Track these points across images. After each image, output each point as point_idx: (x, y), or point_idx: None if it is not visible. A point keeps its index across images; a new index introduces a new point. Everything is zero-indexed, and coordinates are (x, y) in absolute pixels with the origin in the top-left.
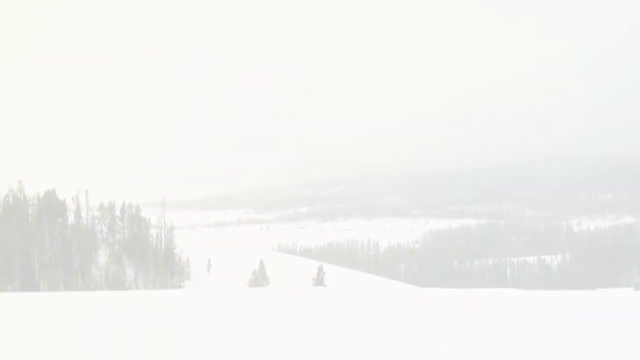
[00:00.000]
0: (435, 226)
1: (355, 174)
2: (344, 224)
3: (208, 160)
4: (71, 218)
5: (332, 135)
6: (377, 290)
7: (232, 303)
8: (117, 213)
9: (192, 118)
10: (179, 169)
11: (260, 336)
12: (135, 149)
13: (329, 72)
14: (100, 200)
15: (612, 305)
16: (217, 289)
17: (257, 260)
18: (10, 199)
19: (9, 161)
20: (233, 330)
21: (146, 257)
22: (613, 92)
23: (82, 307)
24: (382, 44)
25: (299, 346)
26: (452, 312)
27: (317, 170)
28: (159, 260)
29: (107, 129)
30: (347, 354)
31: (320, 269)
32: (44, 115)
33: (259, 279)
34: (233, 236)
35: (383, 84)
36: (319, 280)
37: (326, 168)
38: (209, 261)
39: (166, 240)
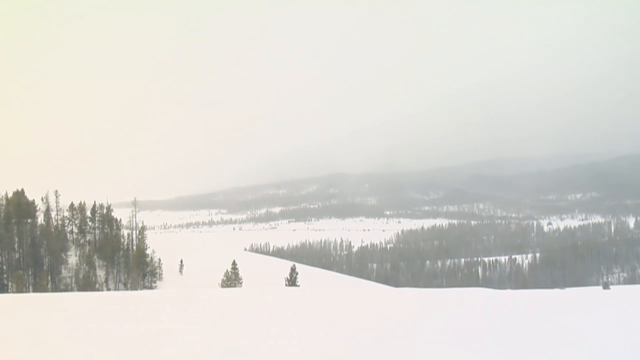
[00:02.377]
0: (408, 226)
1: (328, 175)
2: (316, 224)
3: (180, 161)
4: (40, 219)
5: (305, 136)
6: (350, 290)
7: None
8: (88, 214)
9: (163, 119)
10: (150, 169)
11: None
12: (106, 150)
13: (304, 72)
14: (71, 200)
15: (581, 303)
16: (188, 290)
17: (229, 260)
18: None
19: None
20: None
21: (117, 258)
22: (583, 96)
23: (50, 308)
24: (358, 44)
25: (273, 346)
26: (424, 311)
27: (290, 171)
28: (130, 261)
29: (78, 129)
30: (326, 354)
31: (293, 269)
32: (17, 117)
33: (232, 279)
34: (205, 236)
35: (357, 85)
36: (292, 281)
37: (299, 169)
38: (181, 262)
39: (137, 241)
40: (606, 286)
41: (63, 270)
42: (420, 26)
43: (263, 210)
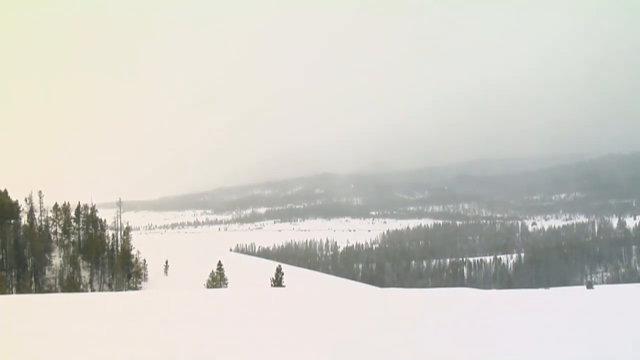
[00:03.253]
0: (393, 226)
1: (314, 175)
2: (302, 225)
3: (165, 161)
4: (24, 219)
5: (290, 136)
6: (335, 291)
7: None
8: (72, 214)
9: (148, 120)
10: (135, 169)
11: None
12: (90, 150)
13: (290, 73)
14: (55, 201)
15: (565, 303)
16: (173, 291)
17: (215, 261)
18: None
19: None
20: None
21: (102, 259)
22: (568, 96)
23: (35, 310)
24: (349, 45)
25: (259, 346)
26: (410, 312)
27: (276, 171)
28: (115, 262)
29: (63, 130)
30: (312, 355)
31: (278, 270)
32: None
33: (217, 280)
34: (191, 237)
35: (347, 86)
36: (278, 281)
37: (285, 169)
38: (166, 262)
39: (122, 242)
40: (590, 286)
41: (47, 272)
42: (411, 28)
43: (249, 211)
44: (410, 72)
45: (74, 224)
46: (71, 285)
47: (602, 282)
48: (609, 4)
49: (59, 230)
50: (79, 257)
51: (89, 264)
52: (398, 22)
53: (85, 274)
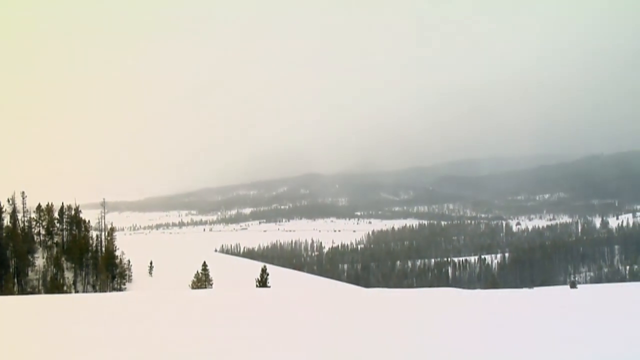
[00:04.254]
0: (378, 227)
1: (299, 176)
2: (287, 225)
3: (149, 161)
4: (7, 220)
5: (276, 136)
6: (320, 291)
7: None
8: (56, 215)
9: (133, 120)
10: (119, 170)
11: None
12: (74, 150)
13: (273, 71)
14: (38, 201)
15: (549, 303)
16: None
17: (199, 261)
18: None
19: None
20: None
21: (86, 260)
22: (551, 96)
23: (17, 311)
24: (337, 43)
25: (244, 347)
26: (395, 312)
27: (261, 172)
28: (99, 263)
29: (46, 131)
30: (296, 356)
31: (263, 271)
32: None
33: (202, 280)
34: (175, 237)
35: (331, 84)
36: (263, 282)
37: (271, 170)
38: (151, 263)
39: (106, 243)
40: (573, 285)
41: (30, 273)
42: (399, 26)
43: (234, 211)
44: (398, 71)
45: (58, 224)
46: (55, 286)
47: (586, 282)
48: (600, 10)
49: (42, 231)
50: (63, 258)
51: (73, 265)
52: (387, 21)
53: (69, 275)
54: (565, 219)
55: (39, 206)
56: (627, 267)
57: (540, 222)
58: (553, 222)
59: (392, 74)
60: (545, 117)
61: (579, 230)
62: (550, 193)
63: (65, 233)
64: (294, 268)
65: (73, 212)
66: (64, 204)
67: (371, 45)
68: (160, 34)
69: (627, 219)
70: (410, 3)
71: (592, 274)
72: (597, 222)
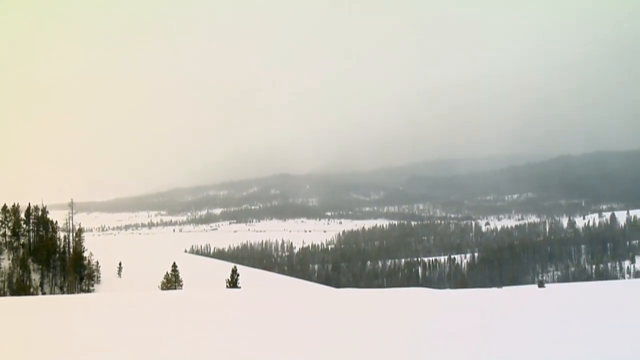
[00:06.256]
0: (349, 227)
1: (270, 176)
2: (257, 226)
3: (118, 161)
4: None
5: (246, 137)
6: (291, 291)
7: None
8: (22, 216)
9: (100, 119)
10: (87, 170)
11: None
12: (40, 149)
13: (250, 72)
14: (4, 202)
15: (517, 302)
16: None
17: (169, 262)
18: None
19: None
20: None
21: (53, 262)
22: (528, 97)
23: None
24: (316, 44)
25: (213, 348)
26: (365, 312)
27: (231, 172)
28: (67, 264)
29: (9, 129)
30: (267, 357)
31: (234, 271)
32: None
33: (172, 281)
34: (145, 238)
35: (306, 85)
36: (233, 282)
37: (242, 170)
38: (120, 264)
39: (74, 244)
40: (541, 285)
41: None
42: (378, 27)
43: (204, 212)
44: (376, 72)
45: (24, 225)
46: (21, 288)
47: (553, 281)
48: (577, 13)
49: (8, 233)
50: (29, 260)
51: (40, 267)
52: (365, 23)
53: (35, 277)
54: (533, 219)
55: (5, 207)
56: (593, 267)
57: (509, 222)
58: (521, 222)
59: (370, 75)
60: (520, 118)
61: (547, 230)
62: (519, 193)
63: (32, 234)
64: (265, 268)
65: (40, 213)
66: (31, 205)
67: (349, 47)
68: (136, 33)
69: (593, 218)
70: (389, 5)
71: (559, 273)
72: (565, 222)
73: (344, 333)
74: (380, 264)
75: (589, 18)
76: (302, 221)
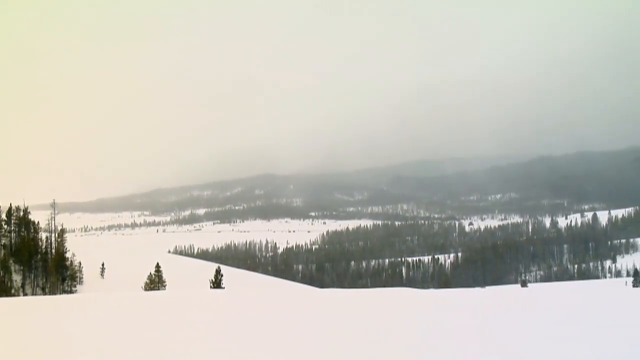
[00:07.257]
0: (333, 227)
1: (254, 176)
2: (241, 226)
3: (101, 162)
4: None
5: (230, 138)
6: (275, 292)
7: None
8: (3, 216)
9: (84, 119)
10: (70, 170)
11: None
12: (21, 149)
13: (236, 72)
14: None
15: (501, 301)
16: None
17: (153, 263)
18: None
19: None
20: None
21: (35, 262)
22: (514, 97)
23: None
24: (303, 44)
25: (198, 350)
26: (349, 312)
27: (215, 172)
28: (49, 265)
29: None
30: (251, 357)
31: (217, 272)
32: None
33: (155, 282)
34: (128, 239)
35: (291, 85)
36: (217, 283)
37: (224, 170)
38: (103, 265)
39: (57, 244)
40: (524, 284)
41: None
42: (365, 27)
43: (187, 212)
44: (363, 72)
45: (5, 226)
46: (2, 289)
47: (536, 281)
48: (563, 14)
49: None
50: (11, 261)
51: (22, 268)
52: (352, 23)
53: (17, 278)
54: (516, 219)
55: None
56: (576, 266)
57: (492, 222)
58: (504, 222)
59: (355, 76)
60: (505, 118)
61: (530, 230)
62: (502, 193)
63: (13, 235)
64: (248, 269)
65: (22, 214)
66: (12, 205)
67: (334, 47)
68: (120, 33)
69: (575, 218)
70: (377, 4)
71: (542, 272)
72: (547, 222)
73: (329, 333)
74: (364, 264)
75: (573, 20)
76: (286, 221)
